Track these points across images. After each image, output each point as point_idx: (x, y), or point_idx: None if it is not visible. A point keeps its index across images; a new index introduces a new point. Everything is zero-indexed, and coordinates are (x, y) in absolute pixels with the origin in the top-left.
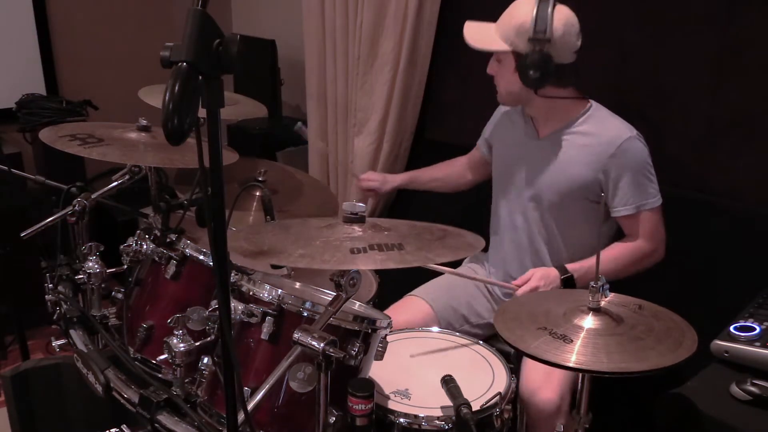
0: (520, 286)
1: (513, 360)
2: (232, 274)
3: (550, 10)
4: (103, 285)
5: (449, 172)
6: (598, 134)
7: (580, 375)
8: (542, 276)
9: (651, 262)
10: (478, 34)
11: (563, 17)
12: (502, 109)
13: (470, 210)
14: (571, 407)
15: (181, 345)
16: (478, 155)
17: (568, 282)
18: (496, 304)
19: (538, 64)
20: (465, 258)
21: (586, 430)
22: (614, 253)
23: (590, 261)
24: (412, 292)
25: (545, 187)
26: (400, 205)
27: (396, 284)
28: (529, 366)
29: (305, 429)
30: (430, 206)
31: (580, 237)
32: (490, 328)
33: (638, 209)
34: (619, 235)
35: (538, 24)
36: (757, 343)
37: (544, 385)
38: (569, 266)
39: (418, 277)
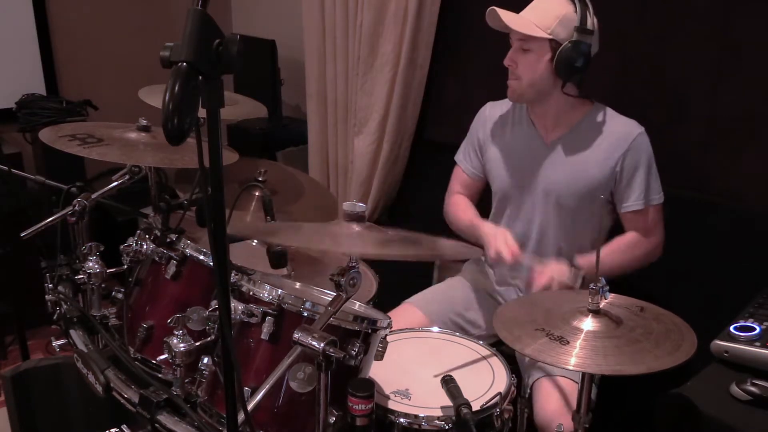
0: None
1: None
2: (232, 274)
3: (591, 7)
4: (103, 285)
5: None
6: (609, 132)
7: (581, 379)
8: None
9: (650, 258)
10: (515, 18)
11: (594, 20)
12: (491, 120)
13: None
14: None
15: (181, 345)
16: (469, 180)
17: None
18: None
19: (581, 53)
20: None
21: (586, 430)
22: (621, 246)
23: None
24: (409, 300)
25: (563, 192)
26: (400, 205)
27: (394, 287)
28: (543, 396)
29: (305, 429)
30: (432, 208)
31: (589, 237)
32: (488, 338)
33: (646, 204)
34: (613, 233)
35: (587, 18)
36: (757, 343)
37: (560, 416)
38: (580, 260)
39: (416, 278)
